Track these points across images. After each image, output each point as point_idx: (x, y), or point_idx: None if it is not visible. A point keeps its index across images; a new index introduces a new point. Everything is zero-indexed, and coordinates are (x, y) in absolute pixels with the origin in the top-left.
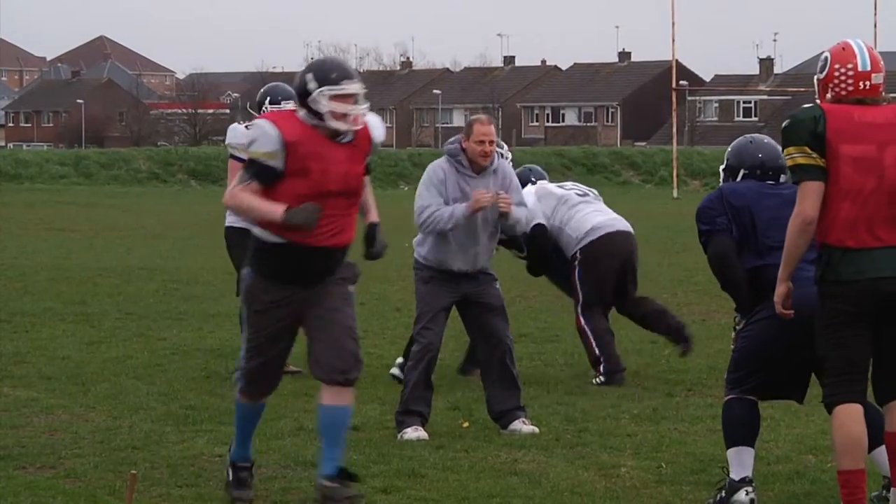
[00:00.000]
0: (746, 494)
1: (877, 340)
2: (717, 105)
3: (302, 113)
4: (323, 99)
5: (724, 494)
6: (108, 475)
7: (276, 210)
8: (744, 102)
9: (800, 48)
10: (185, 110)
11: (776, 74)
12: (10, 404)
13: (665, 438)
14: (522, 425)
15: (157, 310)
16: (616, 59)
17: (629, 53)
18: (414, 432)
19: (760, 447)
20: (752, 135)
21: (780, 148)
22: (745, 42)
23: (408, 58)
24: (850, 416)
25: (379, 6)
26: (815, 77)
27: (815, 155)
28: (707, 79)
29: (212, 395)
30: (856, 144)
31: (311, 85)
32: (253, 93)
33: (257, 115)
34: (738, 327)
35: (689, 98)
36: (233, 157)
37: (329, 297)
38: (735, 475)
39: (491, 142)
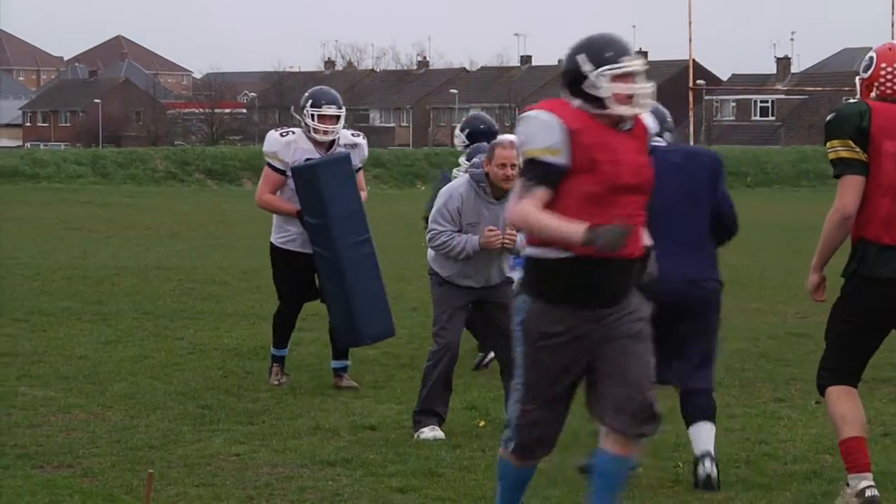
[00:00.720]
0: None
1: None
2: (734, 104)
3: (577, 102)
4: (603, 81)
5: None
6: (125, 474)
7: (576, 231)
8: (761, 102)
9: (817, 47)
10: (201, 110)
11: (793, 74)
12: (27, 403)
13: (682, 438)
14: None
15: (173, 309)
16: None
17: (646, 52)
18: (431, 432)
19: (777, 447)
20: None
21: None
22: (762, 41)
23: (425, 57)
24: (845, 392)
25: (396, 6)
26: (858, 77)
27: (858, 149)
28: (724, 78)
29: (228, 394)
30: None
31: (586, 67)
32: (269, 92)
33: (299, 118)
34: None
35: (707, 97)
36: (269, 165)
37: (624, 335)
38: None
39: (513, 165)
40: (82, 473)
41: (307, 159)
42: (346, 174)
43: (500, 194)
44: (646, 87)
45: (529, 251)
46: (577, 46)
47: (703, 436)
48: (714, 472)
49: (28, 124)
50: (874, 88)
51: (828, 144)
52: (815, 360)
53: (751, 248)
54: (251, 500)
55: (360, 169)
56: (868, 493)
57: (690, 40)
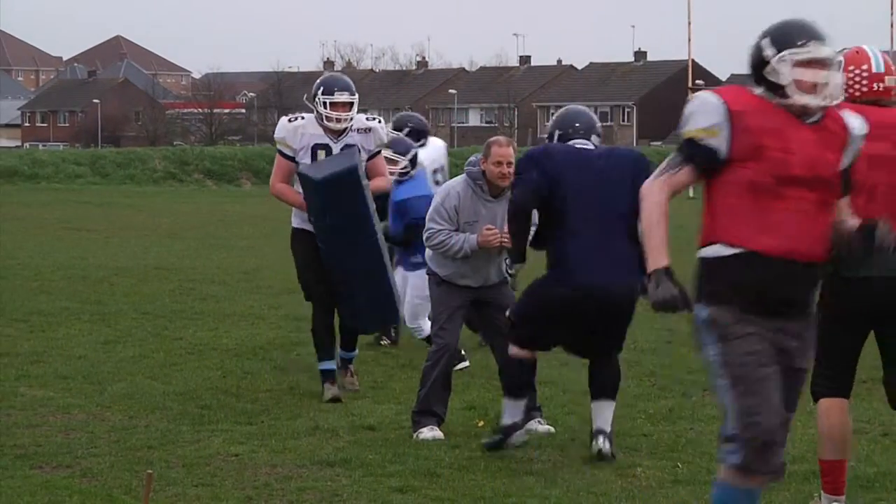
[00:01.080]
0: None
1: (888, 339)
2: None
3: (759, 90)
4: (784, 67)
5: None
6: (124, 474)
7: (655, 260)
8: None
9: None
10: (200, 110)
11: None
12: (26, 403)
13: (681, 438)
14: (538, 425)
15: (172, 309)
16: (632, 59)
17: (645, 53)
18: (430, 432)
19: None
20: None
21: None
22: None
23: (424, 57)
24: (837, 406)
25: (395, 6)
26: None
27: None
28: (723, 78)
29: (228, 394)
30: (870, 142)
31: (769, 51)
32: (268, 93)
33: (312, 107)
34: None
35: None
36: (279, 152)
37: (801, 368)
38: None
39: (509, 163)
40: (81, 474)
41: (315, 145)
42: (351, 184)
43: (497, 192)
44: (835, 77)
45: (702, 252)
46: (766, 30)
47: (603, 414)
48: (607, 447)
49: (27, 124)
50: (843, 92)
51: None
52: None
53: None
54: (250, 501)
55: (376, 154)
56: None
57: (689, 40)
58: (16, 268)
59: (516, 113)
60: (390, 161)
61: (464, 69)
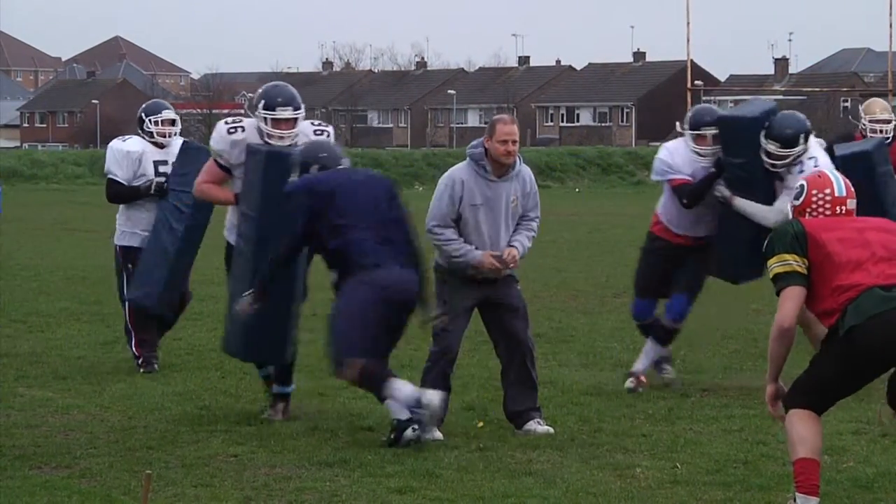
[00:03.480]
0: None
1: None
2: (732, 105)
3: None
4: None
5: None
6: (124, 475)
7: None
8: None
9: (815, 48)
10: (199, 111)
11: (791, 74)
12: (25, 404)
13: (680, 439)
14: (537, 426)
15: None
16: (631, 59)
17: (644, 53)
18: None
19: (777, 448)
20: None
21: None
22: (760, 42)
23: (423, 58)
24: (810, 416)
25: (394, 7)
26: (791, 204)
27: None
28: (722, 79)
29: (227, 395)
30: (835, 231)
31: None
32: None
33: (252, 115)
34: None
35: (704, 98)
36: (214, 160)
37: None
38: None
39: (514, 141)
40: (80, 474)
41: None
42: (285, 168)
43: (500, 172)
44: None
45: None
46: None
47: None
48: (424, 434)
49: (26, 125)
50: (807, 214)
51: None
52: None
53: None
54: (249, 501)
55: None
56: None
57: (688, 41)
58: (15, 268)
59: (515, 113)
60: None
61: (463, 70)
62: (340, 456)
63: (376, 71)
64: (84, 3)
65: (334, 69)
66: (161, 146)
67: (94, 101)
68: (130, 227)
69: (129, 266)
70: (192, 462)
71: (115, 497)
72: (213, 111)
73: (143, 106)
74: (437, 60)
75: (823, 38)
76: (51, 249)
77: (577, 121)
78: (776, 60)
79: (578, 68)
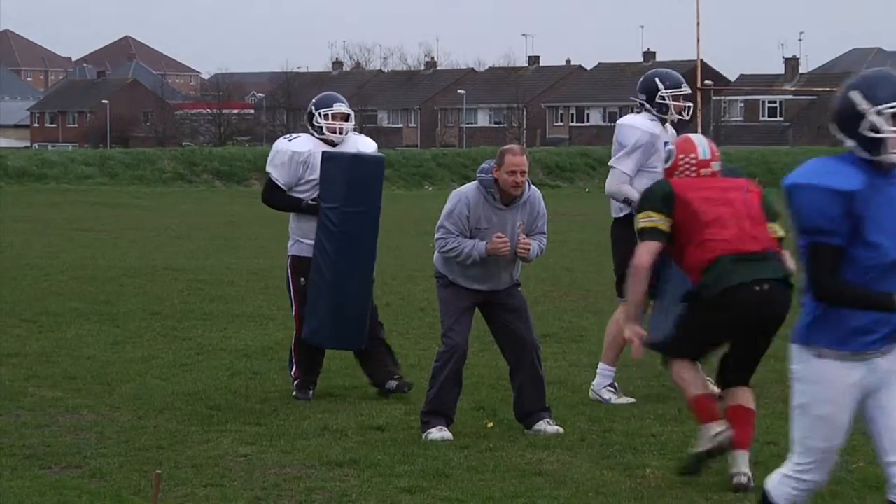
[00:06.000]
0: None
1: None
2: (742, 105)
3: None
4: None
5: None
6: (133, 475)
7: None
8: (769, 102)
9: (825, 48)
10: (209, 110)
11: (801, 74)
12: (35, 404)
13: (690, 439)
14: (547, 426)
15: (181, 310)
16: (641, 59)
17: (654, 53)
18: (439, 432)
19: (786, 447)
20: None
21: None
22: (770, 42)
23: (432, 58)
24: (689, 362)
25: (404, 6)
26: (662, 167)
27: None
28: (732, 79)
29: (236, 395)
30: (701, 191)
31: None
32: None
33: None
34: None
35: (715, 98)
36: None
37: None
38: None
39: (523, 172)
40: (90, 474)
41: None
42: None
43: (508, 200)
44: None
45: None
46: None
47: None
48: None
49: (36, 125)
50: (675, 175)
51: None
52: None
53: None
54: (259, 501)
55: None
56: (720, 436)
57: (698, 41)
58: (25, 268)
59: (525, 113)
60: None
61: (472, 69)
62: (350, 456)
63: (386, 71)
64: (94, 3)
65: (344, 69)
66: (333, 144)
67: (104, 100)
68: (301, 235)
69: (301, 279)
70: (202, 462)
71: (125, 497)
72: (223, 111)
73: (314, 99)
74: (446, 60)
75: (834, 37)
76: (61, 249)
77: (587, 120)
78: (786, 60)
79: (588, 68)
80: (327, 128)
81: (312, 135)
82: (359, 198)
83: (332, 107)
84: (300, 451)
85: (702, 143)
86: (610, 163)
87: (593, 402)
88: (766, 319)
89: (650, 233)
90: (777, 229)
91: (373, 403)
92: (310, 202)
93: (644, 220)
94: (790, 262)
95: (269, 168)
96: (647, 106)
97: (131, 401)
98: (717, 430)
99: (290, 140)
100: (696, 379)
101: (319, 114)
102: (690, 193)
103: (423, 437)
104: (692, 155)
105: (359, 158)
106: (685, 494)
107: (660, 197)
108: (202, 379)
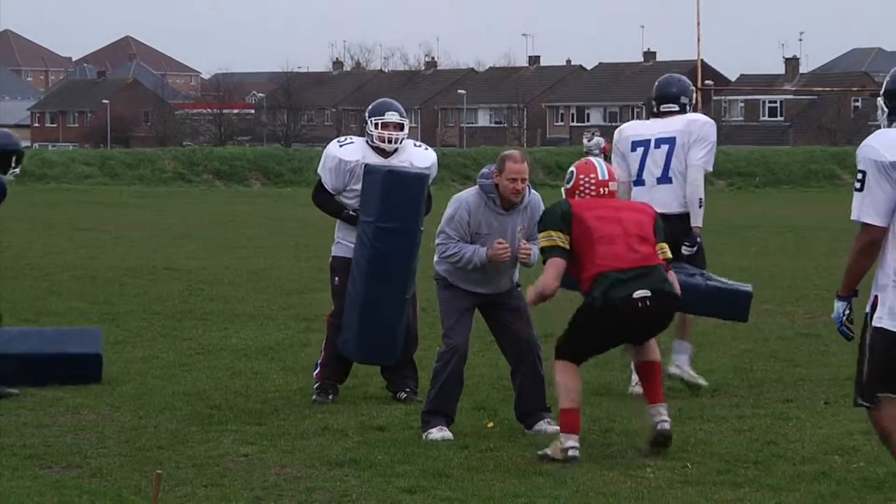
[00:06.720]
0: None
1: None
2: (742, 105)
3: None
4: None
5: None
6: (134, 475)
7: None
8: (769, 102)
9: (825, 48)
10: (210, 110)
11: (802, 74)
12: (35, 403)
13: (690, 439)
14: (547, 426)
15: (182, 310)
16: (641, 59)
17: (654, 53)
18: (439, 432)
19: (786, 447)
20: None
21: None
22: (770, 42)
23: (433, 58)
24: (573, 367)
25: (404, 6)
26: (563, 188)
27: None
28: (732, 78)
29: (237, 395)
30: (595, 210)
31: None
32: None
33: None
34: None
35: (715, 98)
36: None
37: None
38: None
39: (523, 179)
40: (91, 474)
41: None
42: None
43: (509, 205)
44: None
45: None
46: None
47: None
48: None
49: (36, 125)
50: (576, 195)
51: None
52: (825, 360)
53: (759, 248)
54: (259, 501)
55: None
56: (570, 452)
57: (699, 40)
58: (25, 268)
59: (525, 113)
60: None
61: (473, 69)
62: (351, 456)
63: (386, 71)
64: (94, 3)
65: (344, 69)
66: (384, 152)
67: (104, 100)
68: (341, 237)
69: (336, 279)
70: (203, 462)
71: (126, 497)
72: (224, 111)
73: (371, 105)
74: (447, 60)
75: (834, 37)
76: (61, 249)
77: (588, 120)
78: (787, 60)
79: (588, 68)
80: (377, 137)
81: (367, 141)
82: (392, 215)
83: (383, 115)
84: (300, 450)
85: (601, 165)
86: (696, 162)
87: (593, 402)
88: (646, 327)
89: (553, 251)
90: (666, 250)
91: (373, 403)
92: (351, 213)
93: (545, 240)
94: (675, 281)
95: (319, 170)
96: None
97: (132, 400)
98: (570, 445)
99: (341, 145)
100: (573, 390)
101: (371, 121)
102: (586, 213)
103: (424, 437)
104: (591, 175)
105: (394, 174)
106: (685, 494)
107: (559, 216)
108: (202, 379)
